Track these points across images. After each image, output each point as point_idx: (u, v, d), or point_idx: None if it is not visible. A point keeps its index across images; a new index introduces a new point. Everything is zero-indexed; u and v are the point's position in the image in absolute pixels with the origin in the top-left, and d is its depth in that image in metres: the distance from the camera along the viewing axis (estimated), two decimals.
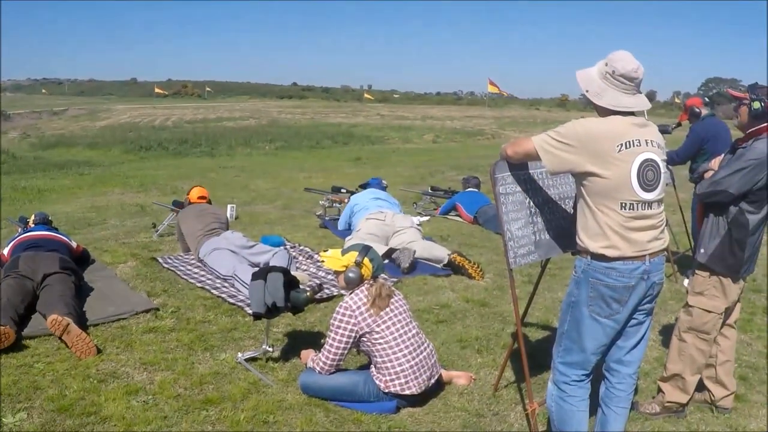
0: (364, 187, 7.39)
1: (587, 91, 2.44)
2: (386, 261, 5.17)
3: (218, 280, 4.92)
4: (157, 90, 76.83)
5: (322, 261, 3.43)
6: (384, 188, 7.10)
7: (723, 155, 3.16)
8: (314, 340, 3.90)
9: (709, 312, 3.07)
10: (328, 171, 13.68)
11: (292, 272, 3.97)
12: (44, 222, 5.26)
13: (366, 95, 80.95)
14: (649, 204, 2.38)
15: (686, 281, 5.44)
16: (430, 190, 9.26)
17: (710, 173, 3.09)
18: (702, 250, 3.06)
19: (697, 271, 3.12)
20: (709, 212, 3.08)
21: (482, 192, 8.13)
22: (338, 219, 7.03)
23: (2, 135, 26.66)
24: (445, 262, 5.46)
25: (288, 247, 6.03)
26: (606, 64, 2.41)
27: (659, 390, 3.28)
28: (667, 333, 4.29)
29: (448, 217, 7.93)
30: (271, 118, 38.36)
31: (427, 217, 7.85)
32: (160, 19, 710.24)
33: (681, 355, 3.16)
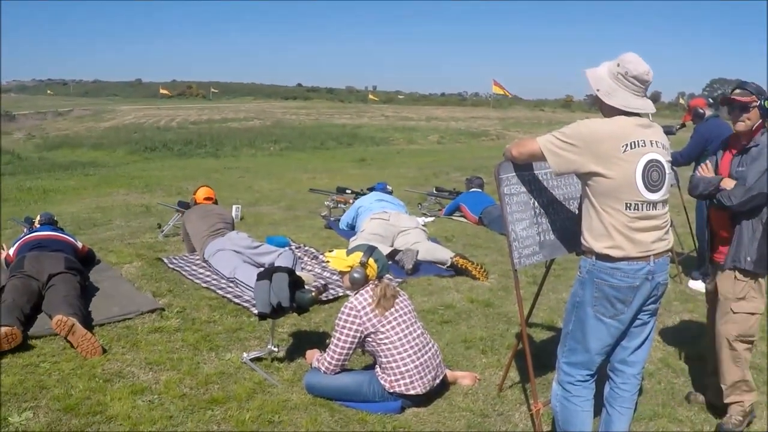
0: (369, 191, 7.42)
1: (598, 90, 2.43)
2: (390, 262, 5.17)
3: (223, 281, 4.93)
4: (161, 91, 77.20)
5: (327, 261, 3.43)
6: (389, 193, 7.13)
7: (731, 157, 3.12)
8: (319, 340, 3.90)
9: (753, 314, 3.06)
10: (333, 172, 13.70)
11: (297, 272, 3.98)
12: (50, 222, 5.28)
13: (370, 96, 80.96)
14: (653, 204, 2.38)
15: (691, 282, 5.50)
16: (434, 191, 9.25)
17: (728, 181, 3.02)
18: (748, 258, 2.98)
19: (737, 278, 3.05)
20: (740, 219, 3.01)
21: (486, 192, 8.13)
22: None
23: (6, 136, 26.81)
24: (448, 264, 5.46)
25: (293, 247, 6.04)
26: (618, 65, 2.40)
27: (729, 404, 3.15)
28: (670, 334, 4.29)
29: (453, 217, 7.94)
30: (276, 119, 38.42)
31: (432, 218, 7.86)
32: (164, 20, 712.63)
33: (737, 362, 3.10)
